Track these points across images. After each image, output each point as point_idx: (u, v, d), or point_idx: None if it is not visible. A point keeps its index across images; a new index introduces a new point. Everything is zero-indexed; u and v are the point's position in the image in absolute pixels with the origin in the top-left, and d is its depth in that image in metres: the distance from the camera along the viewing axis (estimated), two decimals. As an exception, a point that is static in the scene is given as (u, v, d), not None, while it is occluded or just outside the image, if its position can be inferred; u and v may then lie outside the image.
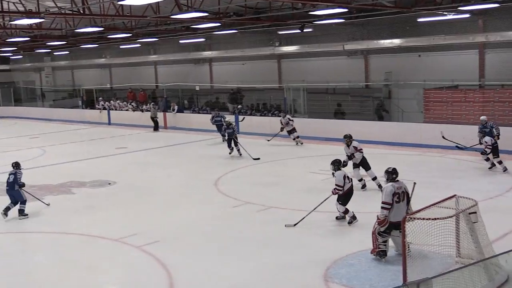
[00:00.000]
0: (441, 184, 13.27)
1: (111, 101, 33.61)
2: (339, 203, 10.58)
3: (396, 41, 23.94)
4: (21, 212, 12.14)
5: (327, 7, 18.02)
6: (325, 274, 8.33)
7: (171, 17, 18.84)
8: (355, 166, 13.43)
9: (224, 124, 20.33)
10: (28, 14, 17.74)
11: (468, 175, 14.75)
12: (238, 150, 18.93)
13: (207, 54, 32.18)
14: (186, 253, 9.65)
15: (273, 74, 29.65)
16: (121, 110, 32.22)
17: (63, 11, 18.19)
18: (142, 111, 30.43)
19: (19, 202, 12.07)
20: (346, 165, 12.42)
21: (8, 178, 12.13)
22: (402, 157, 17.43)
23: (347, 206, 10.63)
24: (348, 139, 13.44)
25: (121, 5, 17.88)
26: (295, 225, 10.60)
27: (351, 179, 10.92)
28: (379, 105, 24.29)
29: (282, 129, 21.11)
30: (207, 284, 8.33)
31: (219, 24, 22.92)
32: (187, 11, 17.58)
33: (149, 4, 17.73)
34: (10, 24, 21.39)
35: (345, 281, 8.08)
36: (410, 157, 17.39)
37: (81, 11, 18.30)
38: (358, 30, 25.30)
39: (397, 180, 8.83)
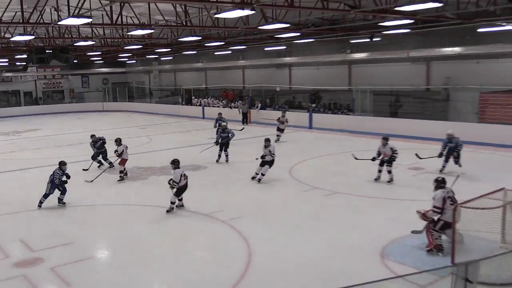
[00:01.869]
0: (491, 178, 12.71)
1: (205, 99, 34.45)
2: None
3: (457, 49, 23.09)
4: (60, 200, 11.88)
5: (395, 19, 17.62)
6: (382, 252, 8.28)
7: (258, 28, 19.00)
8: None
9: (220, 128, 18.01)
10: (142, 26, 18.52)
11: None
12: (227, 155, 17.07)
13: (287, 60, 32.25)
14: (263, 228, 9.81)
15: (343, 77, 29.35)
16: (213, 106, 32.87)
17: (169, 23, 18.85)
18: (230, 107, 30.99)
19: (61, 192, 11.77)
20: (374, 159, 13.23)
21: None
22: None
23: None
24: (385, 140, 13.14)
25: (217, 18, 18.30)
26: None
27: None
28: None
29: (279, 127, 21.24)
30: (281, 255, 8.44)
31: (299, 34, 22.89)
32: (272, 23, 17.67)
33: (240, 17, 18.01)
34: (127, 34, 22.41)
35: (399, 258, 8.01)
36: (464, 153, 16.74)
37: (184, 23, 18.85)
38: (422, 39, 24.52)
39: (446, 187, 8.40)
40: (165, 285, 7.81)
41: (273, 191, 12.77)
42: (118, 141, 14.59)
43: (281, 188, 13.10)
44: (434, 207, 8.20)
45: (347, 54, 28.10)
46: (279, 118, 21.57)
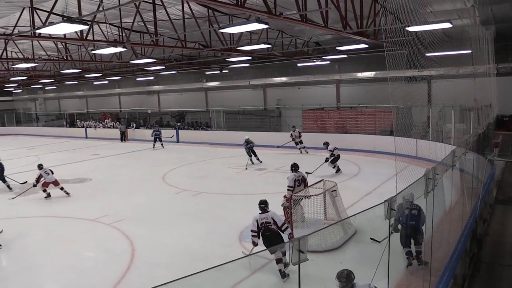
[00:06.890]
0: (317, 173, 13.55)
1: (87, 122, 32.10)
2: None
3: (284, 79, 24.52)
4: None
5: (238, 56, 18.15)
6: (240, 236, 8.30)
7: (130, 62, 18.32)
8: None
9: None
10: (26, 60, 16.65)
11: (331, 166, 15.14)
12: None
13: (156, 87, 31.71)
14: (143, 227, 9.33)
15: (202, 101, 29.55)
16: (95, 128, 30.78)
17: (51, 58, 17.27)
18: (110, 128, 29.33)
19: None
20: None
21: None
22: (289, 155, 17.74)
23: None
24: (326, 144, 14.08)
25: (94, 53, 17.24)
26: (247, 255, 7.01)
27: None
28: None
29: (293, 140, 18.43)
30: (159, 248, 8.07)
31: (164, 67, 22.53)
32: (141, 58, 17.17)
33: (114, 53, 17.18)
34: (13, 67, 20.09)
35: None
36: (294, 155, 17.77)
37: (65, 58, 17.42)
38: (259, 71, 25.65)
39: (298, 171, 8.96)
40: (57, 284, 6.99)
41: (150, 195, 12.24)
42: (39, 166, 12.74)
43: (156, 192, 12.60)
44: (288, 186, 8.67)
45: (203, 83, 28.40)
46: (291, 134, 18.42)
